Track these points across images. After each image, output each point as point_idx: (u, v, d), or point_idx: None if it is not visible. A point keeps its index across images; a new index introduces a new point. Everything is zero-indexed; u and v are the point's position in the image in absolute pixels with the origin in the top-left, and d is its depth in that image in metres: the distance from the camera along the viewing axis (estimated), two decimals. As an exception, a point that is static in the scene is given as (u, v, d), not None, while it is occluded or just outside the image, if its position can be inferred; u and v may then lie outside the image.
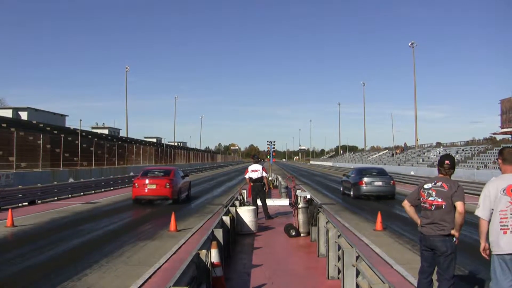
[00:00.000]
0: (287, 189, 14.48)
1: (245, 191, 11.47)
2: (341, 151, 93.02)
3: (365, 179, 14.08)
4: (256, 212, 8.35)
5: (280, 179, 18.38)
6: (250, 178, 9.79)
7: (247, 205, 8.79)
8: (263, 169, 9.84)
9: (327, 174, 40.15)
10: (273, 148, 24.29)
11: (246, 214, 7.85)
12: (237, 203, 8.67)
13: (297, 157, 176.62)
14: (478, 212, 3.10)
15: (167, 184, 12.18)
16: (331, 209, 11.78)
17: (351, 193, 14.56)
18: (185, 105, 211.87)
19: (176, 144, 70.48)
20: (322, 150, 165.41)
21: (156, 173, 12.77)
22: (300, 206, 7.86)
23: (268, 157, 24.43)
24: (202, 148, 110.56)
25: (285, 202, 12.53)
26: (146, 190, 12.05)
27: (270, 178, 20.80)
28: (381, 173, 14.68)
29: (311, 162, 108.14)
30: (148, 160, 36.17)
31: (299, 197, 8.19)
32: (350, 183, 14.74)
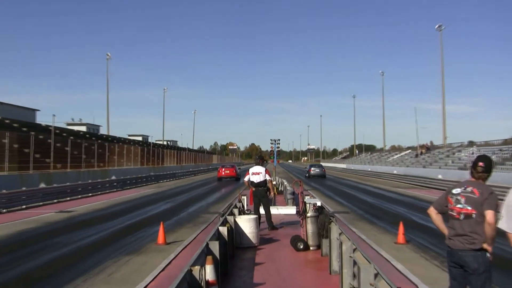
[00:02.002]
0: (294, 195, 14.50)
1: (245, 198, 11.49)
2: (357, 151, 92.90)
3: None
4: (258, 221, 8.38)
5: (285, 183, 18.40)
6: (251, 182, 9.77)
7: (248, 214, 8.80)
8: (267, 171, 9.82)
9: (340, 177, 40.15)
10: (278, 147, 24.30)
11: (247, 224, 7.82)
12: (236, 211, 8.67)
13: (305, 158, 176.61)
14: (501, 225, 3.07)
15: (234, 170, 31.12)
16: (345, 218, 11.87)
17: None
18: (176, 99, 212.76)
19: (165, 143, 70.70)
20: (334, 150, 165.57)
21: (228, 166, 33.67)
22: (309, 215, 7.89)
23: (272, 158, 24.41)
24: (195, 147, 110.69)
25: (291, 210, 12.55)
26: (223, 174, 31.55)
27: (274, 182, 20.86)
28: None
29: (322, 163, 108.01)
30: (133, 161, 36.28)
31: (307, 205, 8.20)
32: None
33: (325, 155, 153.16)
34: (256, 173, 9.77)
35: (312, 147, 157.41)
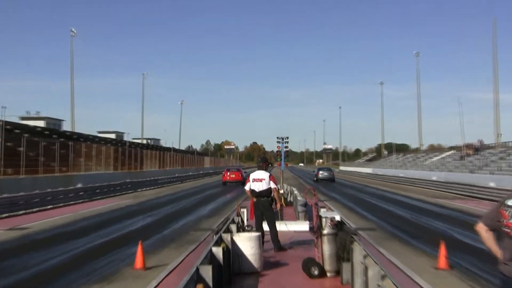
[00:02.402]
0: (306, 207, 14.51)
1: (245, 210, 11.49)
2: (385, 152, 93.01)
3: None
4: (261, 240, 8.39)
5: (296, 192, 18.43)
6: (252, 191, 9.78)
7: (248, 231, 8.78)
8: (271, 177, 9.82)
9: (365, 184, 40.38)
10: (286, 147, 24.35)
11: (247, 243, 7.83)
12: (233, 227, 8.66)
13: (321, 161, 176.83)
14: None
15: (240, 174, 36.93)
16: (370, 236, 12.00)
17: None
18: (159, 88, 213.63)
19: (144, 142, 70.80)
20: (357, 151, 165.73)
21: (233, 169, 41.00)
22: (325, 232, 7.90)
23: (279, 160, 24.45)
24: (183, 147, 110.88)
25: (303, 226, 12.58)
26: (228, 178, 37.78)
27: (281, 191, 20.93)
28: None
29: (341, 167, 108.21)
30: (105, 164, 36.40)
31: (323, 219, 8.16)
32: None
33: (345, 157, 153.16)
34: (258, 180, 9.71)
35: (329, 147, 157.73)
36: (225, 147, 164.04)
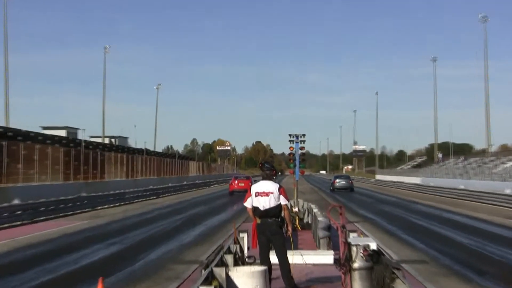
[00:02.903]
0: (330, 232, 14.53)
1: (245, 236, 11.56)
2: (439, 155, 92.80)
3: None
4: (268, 278, 8.35)
5: (315, 210, 18.40)
6: (255, 210, 9.82)
7: (250, 264, 8.78)
8: (282, 190, 9.83)
9: (411, 200, 40.23)
10: (302, 148, 24.26)
11: (248, 281, 7.75)
12: (229, 259, 8.68)
13: (350, 167, 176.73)
14: None
15: (249, 183, 34.67)
16: (420, 271, 12.02)
17: None
18: (128, 66, 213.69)
19: (106, 141, 70.77)
20: (400, 154, 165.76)
21: (242, 177, 53.02)
22: (356, 265, 7.91)
23: (292, 166, 24.42)
24: (160, 148, 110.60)
25: (325, 257, 12.61)
26: (236, 187, 46.39)
27: (295, 209, 20.77)
28: None
29: (378, 176, 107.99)
30: (51, 173, 36.41)
31: (354, 248, 8.17)
32: None
33: (384, 162, 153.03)
34: (264, 194, 9.72)
35: (361, 148, 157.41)
36: (217, 148, 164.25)
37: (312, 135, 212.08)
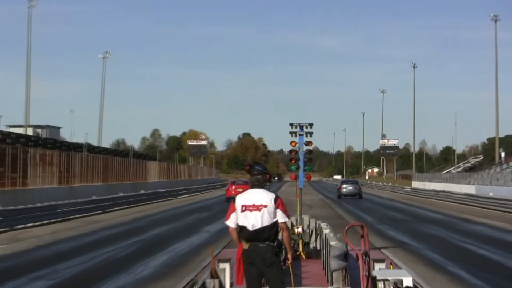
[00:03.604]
0: (348, 261, 14.48)
1: (226, 267, 11.59)
2: (502, 154, 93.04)
3: None
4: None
5: (326, 231, 18.38)
6: (241, 230, 9.84)
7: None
8: (279, 203, 9.82)
9: (462, 217, 40.41)
10: (308, 144, 24.30)
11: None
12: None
13: (375, 170, 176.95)
14: None
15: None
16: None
17: None
18: (62, 27, 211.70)
19: (31, 132, 70.40)
20: (447, 151, 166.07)
21: (240, 182, 62.60)
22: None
23: (294, 169, 24.47)
24: (106, 144, 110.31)
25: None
26: (234, 193, 54.29)
27: (298, 230, 20.82)
28: None
29: (415, 183, 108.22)
30: None
31: (380, 285, 8.14)
32: None
33: (423, 163, 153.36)
34: (253, 208, 9.71)
35: (392, 142, 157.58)
36: (189, 143, 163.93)
37: (323, 125, 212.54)
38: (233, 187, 56.79)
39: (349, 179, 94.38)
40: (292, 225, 19.56)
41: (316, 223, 21.98)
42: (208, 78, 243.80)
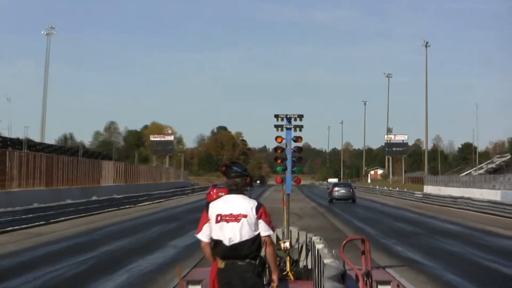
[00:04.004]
0: (344, 283, 14.38)
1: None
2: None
3: None
4: None
5: (319, 246, 18.43)
6: (216, 245, 9.76)
7: None
8: (261, 212, 9.83)
9: (484, 229, 41.12)
10: (297, 140, 24.50)
11: None
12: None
13: (379, 171, 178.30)
14: None
15: None
16: None
17: None
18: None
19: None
20: (467, 149, 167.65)
21: (222, 186, 64.73)
22: None
23: (280, 171, 24.62)
24: (51, 140, 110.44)
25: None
26: (215, 197, 35.59)
27: (285, 245, 20.93)
28: None
29: (428, 187, 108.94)
30: None
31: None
32: None
33: (438, 163, 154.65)
34: (231, 218, 9.64)
35: (399, 138, 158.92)
36: (151, 139, 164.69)
37: (315, 117, 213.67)
38: (215, 190, 59.95)
39: (342, 182, 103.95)
40: (278, 239, 19.69)
41: (307, 236, 21.46)
42: (175, 60, 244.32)
